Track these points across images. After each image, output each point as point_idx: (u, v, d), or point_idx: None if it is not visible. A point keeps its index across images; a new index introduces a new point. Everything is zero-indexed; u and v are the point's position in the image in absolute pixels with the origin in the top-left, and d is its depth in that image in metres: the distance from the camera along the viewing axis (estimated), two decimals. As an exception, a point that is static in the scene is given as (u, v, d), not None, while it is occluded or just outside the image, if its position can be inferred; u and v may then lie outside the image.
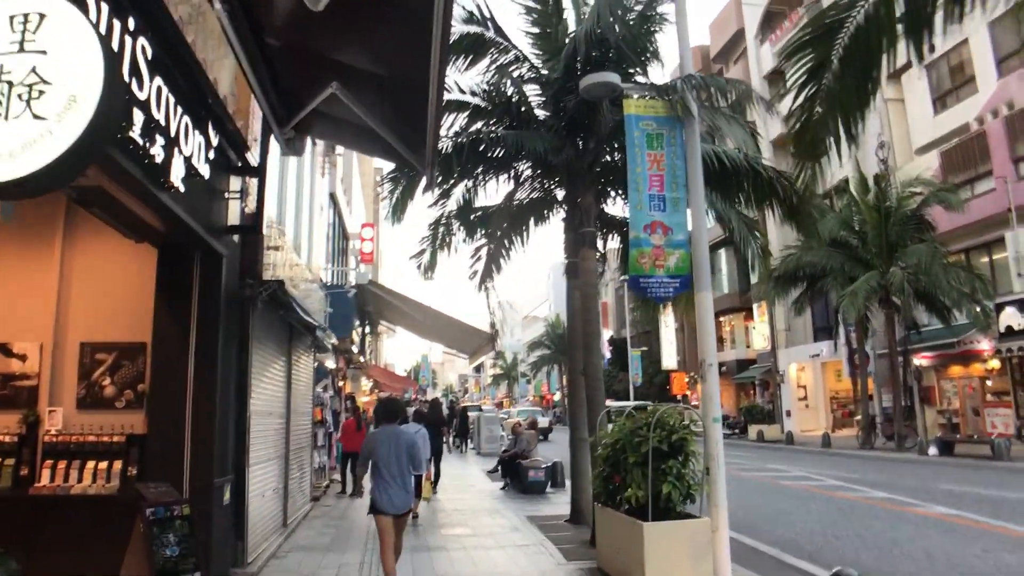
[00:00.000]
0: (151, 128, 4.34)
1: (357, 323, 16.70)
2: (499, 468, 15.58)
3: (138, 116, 4.08)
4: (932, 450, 20.78)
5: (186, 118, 5.09)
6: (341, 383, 19.99)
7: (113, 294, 6.72)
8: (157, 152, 4.48)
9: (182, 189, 5.10)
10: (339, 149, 18.12)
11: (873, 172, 25.66)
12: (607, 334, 60.70)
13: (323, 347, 13.00)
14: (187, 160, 5.21)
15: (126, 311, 6.66)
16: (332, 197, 18.97)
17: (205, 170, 5.76)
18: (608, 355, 58.09)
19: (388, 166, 11.95)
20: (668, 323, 47.96)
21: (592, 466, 8.96)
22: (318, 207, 13.27)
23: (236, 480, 7.14)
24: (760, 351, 38.85)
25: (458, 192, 10.92)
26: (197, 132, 5.45)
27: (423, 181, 9.26)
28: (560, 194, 11.38)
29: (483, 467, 19.52)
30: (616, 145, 9.43)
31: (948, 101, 26.33)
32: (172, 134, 4.78)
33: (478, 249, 12.62)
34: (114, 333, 6.65)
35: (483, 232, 12.13)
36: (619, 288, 60.50)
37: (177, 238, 6.18)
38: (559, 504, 12.42)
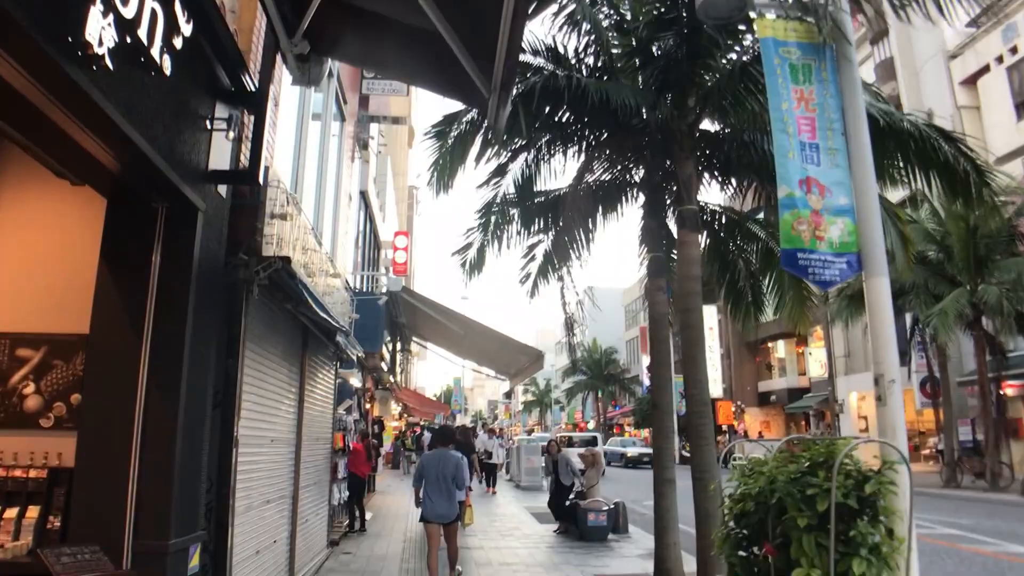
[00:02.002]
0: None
1: (387, 337, 14.62)
2: (554, 508, 13.23)
3: None
4: (1035, 491, 18.02)
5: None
6: (368, 405, 17.90)
7: (43, 266, 4.72)
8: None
9: (111, 67, 3.09)
10: (373, 136, 16.26)
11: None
12: (646, 360, 58.06)
13: (347, 360, 10.93)
14: (125, 25, 3.20)
15: (61, 290, 4.65)
16: (363, 196, 17.07)
17: (166, 63, 3.76)
18: (647, 383, 55.42)
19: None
20: (713, 348, 45.31)
21: (703, 523, 6.72)
22: (345, 195, 11.29)
23: (214, 537, 5.04)
24: (816, 379, 36.03)
25: (516, 168, 8.84)
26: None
27: (476, 142, 7.21)
28: (638, 175, 9.26)
29: (524, 504, 17.19)
30: (728, 100, 7.25)
31: (1034, 106, 23.83)
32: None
33: (531, 248, 10.52)
34: (43, 321, 4.63)
35: (541, 224, 10.03)
36: (659, 312, 57.85)
37: (132, 180, 4.17)
38: (629, 558, 10.13)
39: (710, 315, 45.57)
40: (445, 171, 7.79)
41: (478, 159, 8.09)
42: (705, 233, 9.78)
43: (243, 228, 5.52)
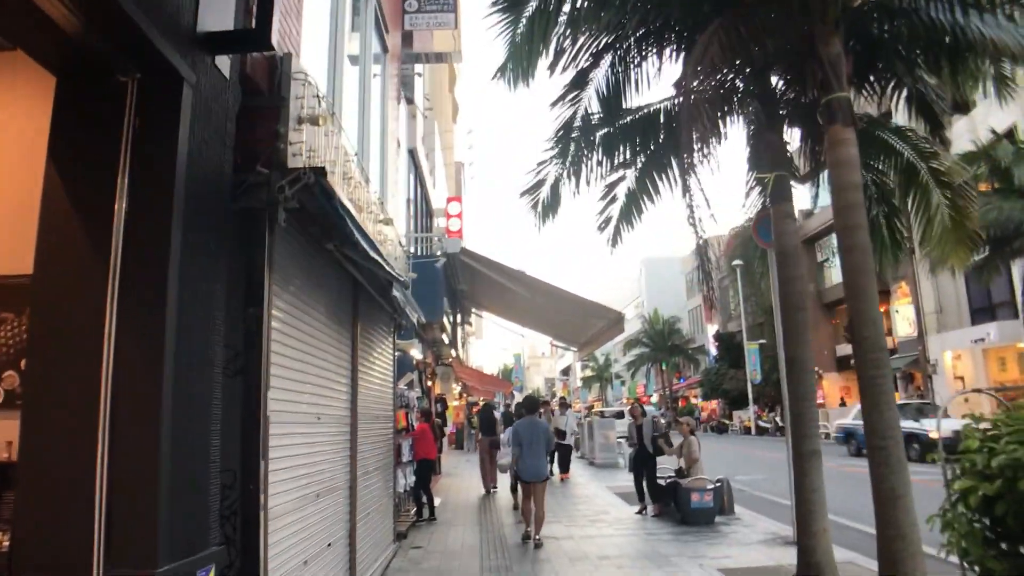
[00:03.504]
0: None
1: (447, 306, 13.22)
2: (640, 486, 11.64)
3: None
4: None
5: None
6: (429, 382, 16.61)
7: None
8: None
9: None
10: (420, 72, 14.81)
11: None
12: (712, 329, 55.72)
13: (406, 329, 9.55)
14: None
15: (2, 213, 3.30)
16: (412, 155, 15.65)
17: None
18: (715, 351, 53.14)
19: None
20: (785, 313, 42.87)
21: (887, 505, 5.08)
22: (393, 139, 9.83)
23: (240, 551, 3.66)
24: (903, 339, 33.40)
25: (600, 76, 7.21)
26: None
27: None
28: (740, 84, 7.53)
29: (605, 483, 15.69)
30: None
31: None
32: None
33: (612, 186, 8.89)
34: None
35: (626, 154, 8.38)
36: (723, 277, 55.37)
37: (89, 38, 2.75)
38: (749, 545, 8.52)
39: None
40: (522, 56, 6.17)
41: (552, 65, 6.49)
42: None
43: (261, 136, 4.08)
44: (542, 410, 13.15)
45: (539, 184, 8.41)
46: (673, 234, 60.00)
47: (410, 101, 15.88)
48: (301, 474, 4.65)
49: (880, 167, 8.40)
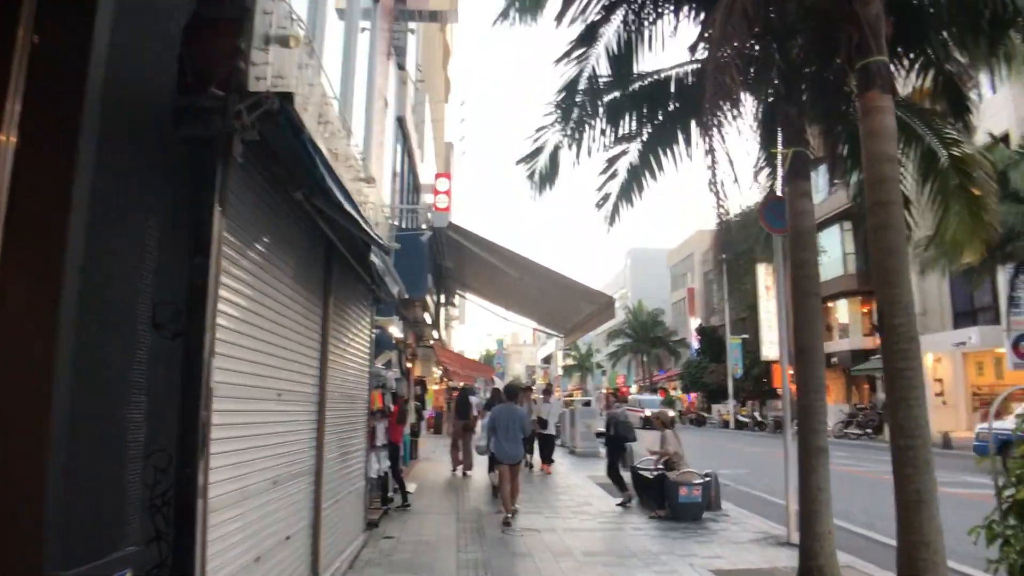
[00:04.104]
0: None
1: (431, 283, 12.57)
2: (615, 477, 11.26)
3: None
4: None
5: None
6: (409, 364, 15.97)
7: None
8: None
9: None
10: (412, 30, 14.06)
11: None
12: (694, 322, 55.45)
13: (386, 304, 8.91)
14: None
15: None
16: (401, 124, 14.93)
17: None
18: (696, 345, 52.87)
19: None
20: (769, 308, 42.58)
21: (911, 510, 4.55)
22: (380, 97, 9.13)
23: (171, 548, 3.02)
24: (888, 339, 33.12)
25: (610, 32, 6.57)
26: None
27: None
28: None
29: (587, 472, 15.17)
30: None
31: None
32: None
33: (612, 161, 8.31)
34: None
35: (632, 125, 7.78)
36: (708, 271, 55.04)
37: None
38: (740, 544, 8.03)
39: (766, 272, 42.75)
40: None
41: (560, 15, 5.85)
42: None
43: (218, 52, 3.40)
44: (525, 397, 12.72)
45: (537, 151, 7.80)
46: (660, 226, 59.67)
47: (401, 67, 15.14)
48: (255, 458, 4.00)
49: (901, 150, 7.89)
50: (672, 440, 10.38)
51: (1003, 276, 23.35)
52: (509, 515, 9.23)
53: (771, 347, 41.96)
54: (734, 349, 41.32)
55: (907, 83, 7.67)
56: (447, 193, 19.56)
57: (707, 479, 9.89)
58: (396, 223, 12.52)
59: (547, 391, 19.28)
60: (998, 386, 30.11)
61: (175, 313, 3.16)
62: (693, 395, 53.31)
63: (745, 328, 43.65)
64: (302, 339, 5.14)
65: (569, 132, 7.30)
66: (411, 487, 12.01)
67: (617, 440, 11.51)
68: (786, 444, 8.36)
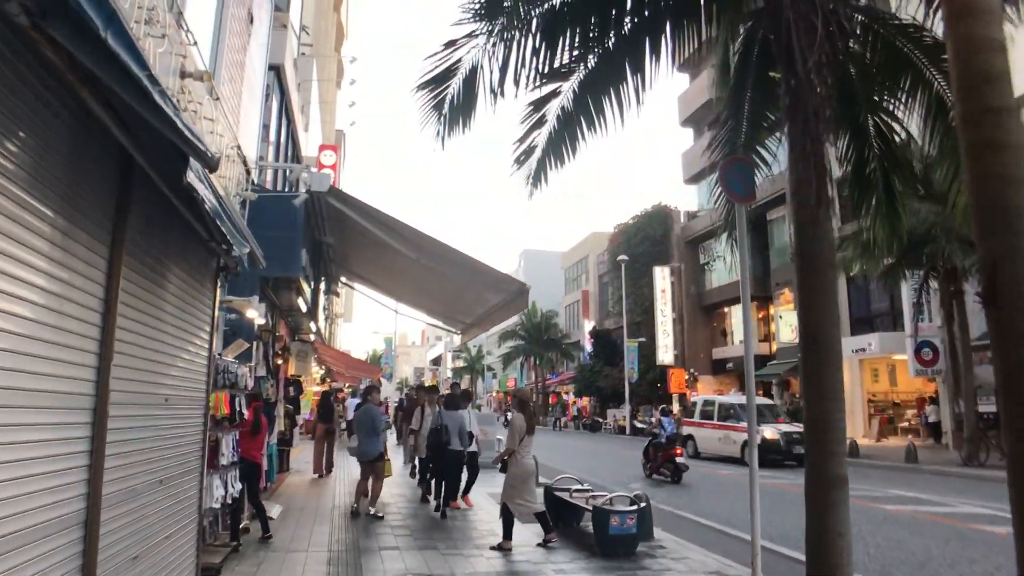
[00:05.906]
0: None
1: (307, 262, 10.30)
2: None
3: None
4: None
5: None
6: (280, 360, 13.54)
7: None
8: None
9: None
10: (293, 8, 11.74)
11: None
12: (588, 325, 54.79)
13: (236, 272, 6.67)
14: None
15: None
16: (278, 74, 12.54)
17: None
18: (590, 348, 52.14)
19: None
20: (665, 312, 42.32)
21: None
22: (243, 5, 6.88)
23: None
24: (784, 345, 33.24)
25: None
26: None
27: None
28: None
29: (487, 489, 13.21)
30: None
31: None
32: None
33: (540, 104, 6.55)
34: None
35: (569, 52, 6.00)
36: (603, 275, 54.54)
37: None
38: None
39: (662, 276, 42.46)
40: None
41: None
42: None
43: None
44: (428, 400, 10.87)
45: (447, 74, 5.83)
46: (554, 227, 58.74)
47: (279, 8, 12.79)
48: None
49: (891, 105, 6.52)
50: (517, 426, 8.22)
51: (907, 282, 23.38)
52: (371, 509, 10.06)
53: (666, 352, 41.69)
54: (630, 353, 40.68)
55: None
56: (333, 168, 17.22)
57: (643, 505, 8.20)
58: (258, 179, 10.25)
59: (466, 395, 13.02)
60: (892, 393, 30.73)
61: None
62: (585, 399, 52.60)
63: (640, 332, 43.20)
64: (60, 305, 2.94)
65: (490, 47, 5.41)
66: (274, 511, 9.72)
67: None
68: (753, 458, 6.79)
